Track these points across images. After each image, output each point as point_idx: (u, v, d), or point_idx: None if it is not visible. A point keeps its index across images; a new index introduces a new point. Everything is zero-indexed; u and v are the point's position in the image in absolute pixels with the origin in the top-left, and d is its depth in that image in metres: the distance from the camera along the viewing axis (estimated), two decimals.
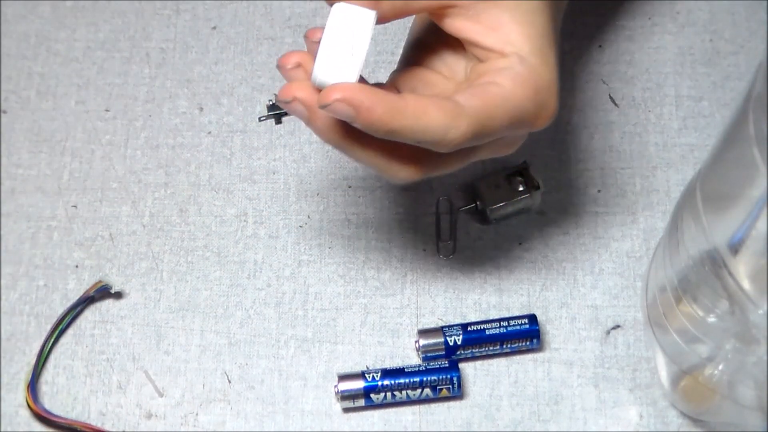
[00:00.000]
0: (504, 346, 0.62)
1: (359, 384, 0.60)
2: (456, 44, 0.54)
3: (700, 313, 0.52)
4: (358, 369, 0.61)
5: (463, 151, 0.52)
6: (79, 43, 0.71)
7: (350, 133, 0.51)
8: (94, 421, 0.61)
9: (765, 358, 0.50)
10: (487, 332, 0.61)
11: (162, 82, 0.70)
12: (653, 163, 0.67)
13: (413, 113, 0.49)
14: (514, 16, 0.52)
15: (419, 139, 0.50)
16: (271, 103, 0.65)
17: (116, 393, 0.62)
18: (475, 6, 0.51)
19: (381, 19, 0.51)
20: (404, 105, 0.49)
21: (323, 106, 0.48)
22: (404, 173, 0.52)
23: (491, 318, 0.63)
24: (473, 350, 0.61)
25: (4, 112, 0.69)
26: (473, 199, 0.66)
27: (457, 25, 0.52)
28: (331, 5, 0.50)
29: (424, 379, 0.60)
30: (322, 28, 0.50)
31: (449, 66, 0.54)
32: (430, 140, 0.50)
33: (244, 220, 0.66)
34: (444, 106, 0.49)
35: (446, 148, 0.50)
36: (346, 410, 0.61)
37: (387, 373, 0.60)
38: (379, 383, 0.60)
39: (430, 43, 0.55)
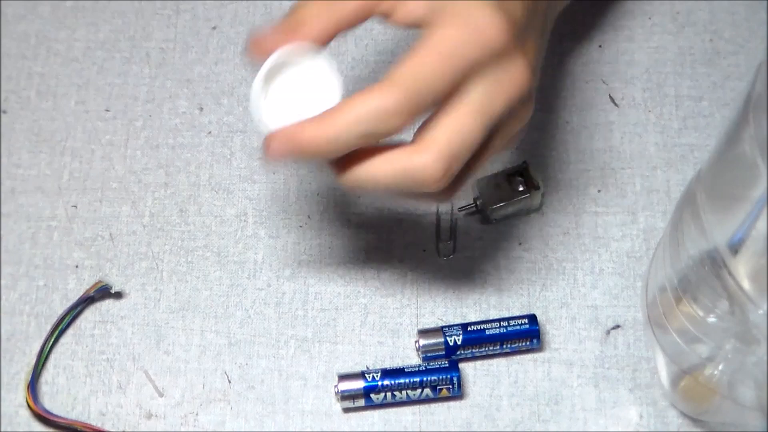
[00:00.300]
0: (504, 346, 0.62)
1: (359, 384, 0.60)
2: None
3: (700, 313, 0.52)
4: (358, 369, 0.61)
5: (479, 152, 0.51)
6: (79, 43, 0.71)
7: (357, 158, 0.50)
8: (94, 421, 0.61)
9: (765, 358, 0.50)
10: (487, 332, 0.61)
11: (162, 82, 0.70)
12: (653, 163, 0.67)
13: (342, 111, 0.48)
14: None
15: (367, 131, 0.48)
16: None
17: (116, 393, 0.62)
18: None
19: (319, 41, 0.51)
20: (332, 110, 0.49)
21: (269, 160, 0.50)
22: (429, 194, 0.51)
23: (491, 318, 0.63)
24: (473, 350, 0.61)
25: (4, 112, 0.69)
26: (473, 199, 0.66)
27: (393, 19, 0.51)
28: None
29: (424, 379, 0.60)
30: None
31: None
32: (377, 127, 0.48)
33: (244, 220, 0.66)
34: (370, 88, 0.48)
35: (395, 129, 0.48)
36: (346, 410, 0.61)
37: (387, 373, 0.60)
38: (379, 383, 0.60)
39: None
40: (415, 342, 0.62)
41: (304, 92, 0.53)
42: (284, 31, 0.51)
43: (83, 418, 0.61)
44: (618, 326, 0.63)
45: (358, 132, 0.48)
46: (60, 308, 0.64)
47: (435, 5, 0.50)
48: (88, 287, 0.64)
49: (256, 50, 0.51)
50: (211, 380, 0.62)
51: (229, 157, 0.68)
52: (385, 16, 0.51)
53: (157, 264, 0.65)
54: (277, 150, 0.49)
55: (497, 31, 0.49)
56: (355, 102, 0.48)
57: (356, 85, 0.70)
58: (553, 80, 0.70)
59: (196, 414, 0.61)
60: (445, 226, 0.66)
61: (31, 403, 0.60)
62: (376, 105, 0.48)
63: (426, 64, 0.48)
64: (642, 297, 0.61)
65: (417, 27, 0.50)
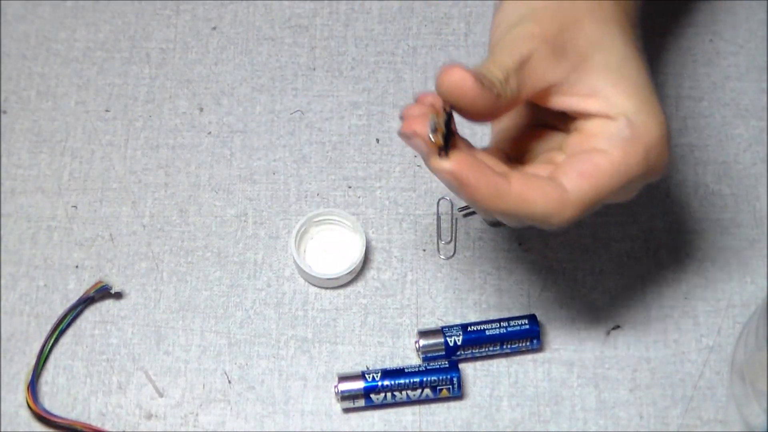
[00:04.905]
0: (504, 347, 0.62)
1: (359, 384, 0.60)
2: (542, 131, 0.55)
3: None
4: (358, 369, 0.62)
5: None
6: (79, 43, 0.71)
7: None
8: (94, 422, 0.61)
9: None
10: (487, 332, 0.61)
11: (162, 83, 0.70)
12: None
13: (516, 199, 0.50)
14: (608, 78, 0.51)
15: (521, 220, 0.51)
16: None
17: (116, 393, 0.62)
18: (567, 80, 0.51)
19: (497, 114, 0.51)
20: (507, 190, 0.49)
21: (433, 171, 0.50)
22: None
23: (491, 318, 0.63)
24: (473, 350, 0.61)
25: (4, 112, 0.69)
26: None
27: (558, 103, 0.52)
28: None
29: (424, 379, 0.60)
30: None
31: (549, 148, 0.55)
32: (533, 223, 0.51)
33: (244, 220, 0.66)
34: (549, 194, 0.50)
35: (550, 228, 0.51)
36: (346, 410, 0.61)
37: (387, 373, 0.60)
38: (379, 383, 0.60)
39: (520, 138, 0.56)
40: (415, 342, 0.62)
41: (334, 245, 0.65)
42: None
43: (83, 419, 0.61)
44: (618, 326, 0.63)
45: (518, 218, 0.51)
46: (60, 308, 0.64)
47: (620, 117, 0.51)
48: (88, 287, 0.64)
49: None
50: (211, 380, 0.62)
51: (229, 157, 0.68)
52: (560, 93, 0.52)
53: (157, 264, 0.65)
54: (446, 180, 0.49)
55: (665, 166, 0.53)
56: (535, 198, 0.50)
57: (356, 84, 0.70)
58: None
59: (196, 414, 0.61)
60: (445, 226, 0.66)
61: (31, 404, 0.60)
62: (548, 212, 0.50)
63: (604, 193, 0.51)
64: (737, 344, 0.58)
65: (598, 116, 0.52)
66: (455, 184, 0.49)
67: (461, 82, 0.48)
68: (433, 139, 0.49)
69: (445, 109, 0.49)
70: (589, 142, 0.51)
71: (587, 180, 0.50)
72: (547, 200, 0.50)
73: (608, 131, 0.51)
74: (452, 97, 0.49)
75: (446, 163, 0.49)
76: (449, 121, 0.49)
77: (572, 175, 0.51)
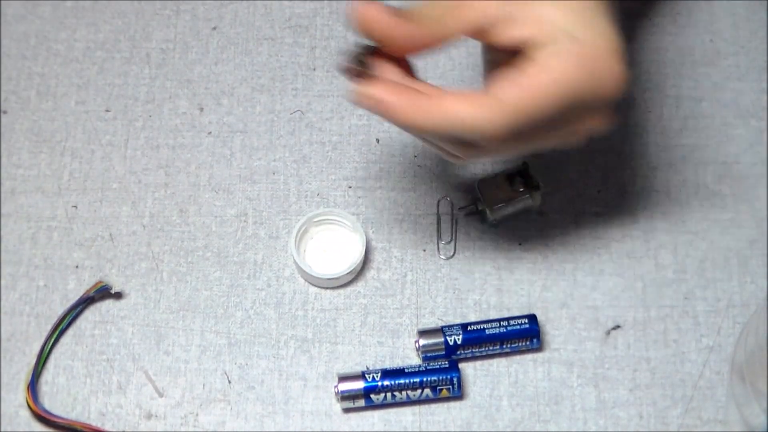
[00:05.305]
0: (504, 346, 0.62)
1: (359, 384, 0.60)
2: None
3: None
4: (358, 369, 0.61)
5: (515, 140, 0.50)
6: (79, 43, 0.71)
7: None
8: (94, 422, 0.61)
9: None
10: (487, 332, 0.61)
11: (162, 83, 0.70)
12: (653, 163, 0.67)
13: (439, 110, 0.48)
14: (549, 1, 0.50)
15: (452, 135, 0.49)
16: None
17: (116, 393, 0.62)
18: (508, 11, 0.50)
19: (416, 50, 0.51)
20: (429, 103, 0.49)
21: (352, 102, 0.50)
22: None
23: (491, 318, 0.63)
24: (473, 350, 0.61)
25: (4, 112, 0.69)
26: (473, 200, 0.66)
27: (501, 36, 0.50)
28: None
29: (424, 379, 0.60)
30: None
31: None
32: (465, 137, 0.49)
33: (244, 220, 0.66)
34: (477, 101, 0.48)
35: (489, 143, 0.49)
36: (346, 410, 0.61)
37: (387, 373, 0.60)
38: (379, 383, 0.60)
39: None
40: (415, 342, 0.62)
41: (333, 245, 0.65)
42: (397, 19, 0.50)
43: (83, 419, 0.61)
44: (618, 326, 0.63)
45: (444, 132, 0.49)
46: (60, 308, 0.64)
47: (559, 35, 0.49)
48: (88, 287, 0.64)
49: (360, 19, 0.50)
50: (211, 380, 0.62)
51: (229, 157, 0.68)
52: (494, 32, 0.51)
53: (157, 264, 0.65)
54: (365, 104, 0.49)
55: (618, 83, 0.50)
56: (457, 106, 0.48)
57: None
58: None
59: (196, 414, 0.61)
60: (445, 227, 0.66)
61: (31, 404, 0.60)
62: (473, 118, 0.48)
63: (543, 103, 0.49)
64: (737, 344, 0.58)
65: (525, 47, 0.50)
66: (373, 104, 0.49)
67: (373, 14, 0.49)
68: (348, 66, 0.51)
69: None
70: (524, 61, 0.50)
71: (520, 87, 0.48)
72: (475, 106, 0.48)
73: (548, 47, 0.49)
74: (364, 29, 0.49)
75: (362, 88, 0.49)
76: (365, 51, 0.51)
77: (504, 83, 0.49)
